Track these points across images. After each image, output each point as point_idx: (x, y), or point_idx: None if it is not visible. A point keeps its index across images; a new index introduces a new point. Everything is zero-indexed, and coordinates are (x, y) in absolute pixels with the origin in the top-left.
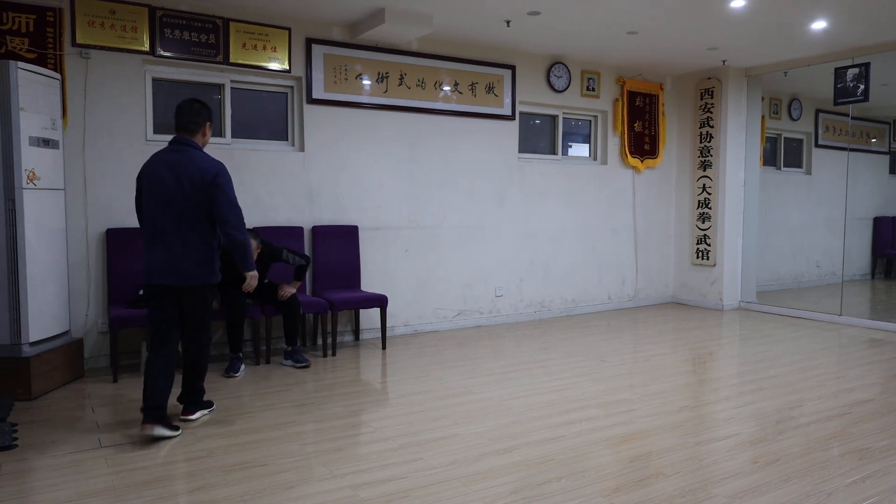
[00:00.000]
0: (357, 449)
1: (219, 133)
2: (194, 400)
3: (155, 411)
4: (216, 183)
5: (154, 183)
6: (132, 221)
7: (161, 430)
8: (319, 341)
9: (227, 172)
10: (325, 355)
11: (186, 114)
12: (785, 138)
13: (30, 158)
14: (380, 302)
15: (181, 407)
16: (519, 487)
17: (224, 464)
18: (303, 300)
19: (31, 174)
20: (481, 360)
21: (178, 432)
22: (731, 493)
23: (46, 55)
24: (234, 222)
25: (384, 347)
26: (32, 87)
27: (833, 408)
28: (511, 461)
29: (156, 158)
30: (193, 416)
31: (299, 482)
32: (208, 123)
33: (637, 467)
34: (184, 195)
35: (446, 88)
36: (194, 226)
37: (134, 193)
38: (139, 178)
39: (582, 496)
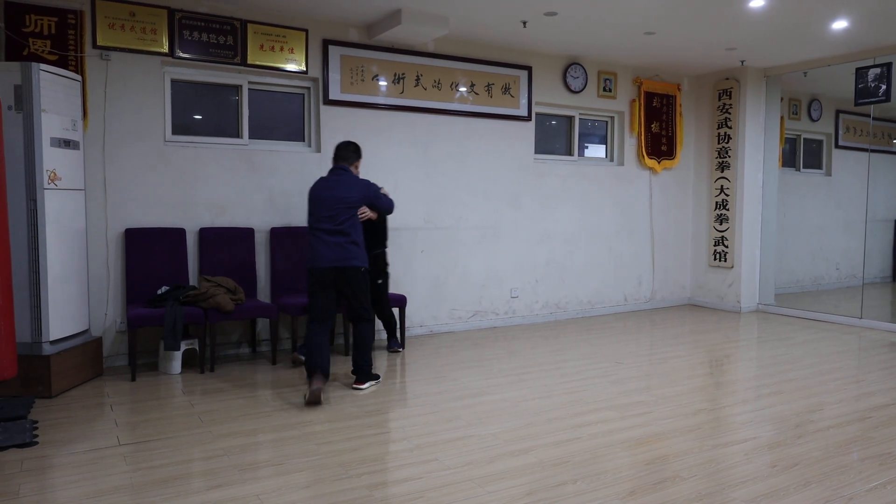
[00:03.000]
0: (372, 449)
1: (236, 134)
2: (365, 371)
3: (322, 371)
4: (375, 192)
5: (323, 198)
6: (150, 221)
7: (321, 385)
8: (339, 341)
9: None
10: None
11: (345, 151)
12: (804, 139)
13: (51, 159)
14: (398, 302)
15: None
16: (534, 489)
17: (240, 462)
18: None
19: (52, 174)
20: (497, 361)
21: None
22: (748, 497)
23: (68, 57)
24: (391, 209)
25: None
26: (54, 89)
27: (853, 412)
28: (526, 463)
29: (324, 180)
30: (364, 386)
31: (315, 482)
32: (359, 161)
33: (653, 470)
34: (351, 202)
35: (462, 89)
36: (354, 223)
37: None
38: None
39: (597, 499)
